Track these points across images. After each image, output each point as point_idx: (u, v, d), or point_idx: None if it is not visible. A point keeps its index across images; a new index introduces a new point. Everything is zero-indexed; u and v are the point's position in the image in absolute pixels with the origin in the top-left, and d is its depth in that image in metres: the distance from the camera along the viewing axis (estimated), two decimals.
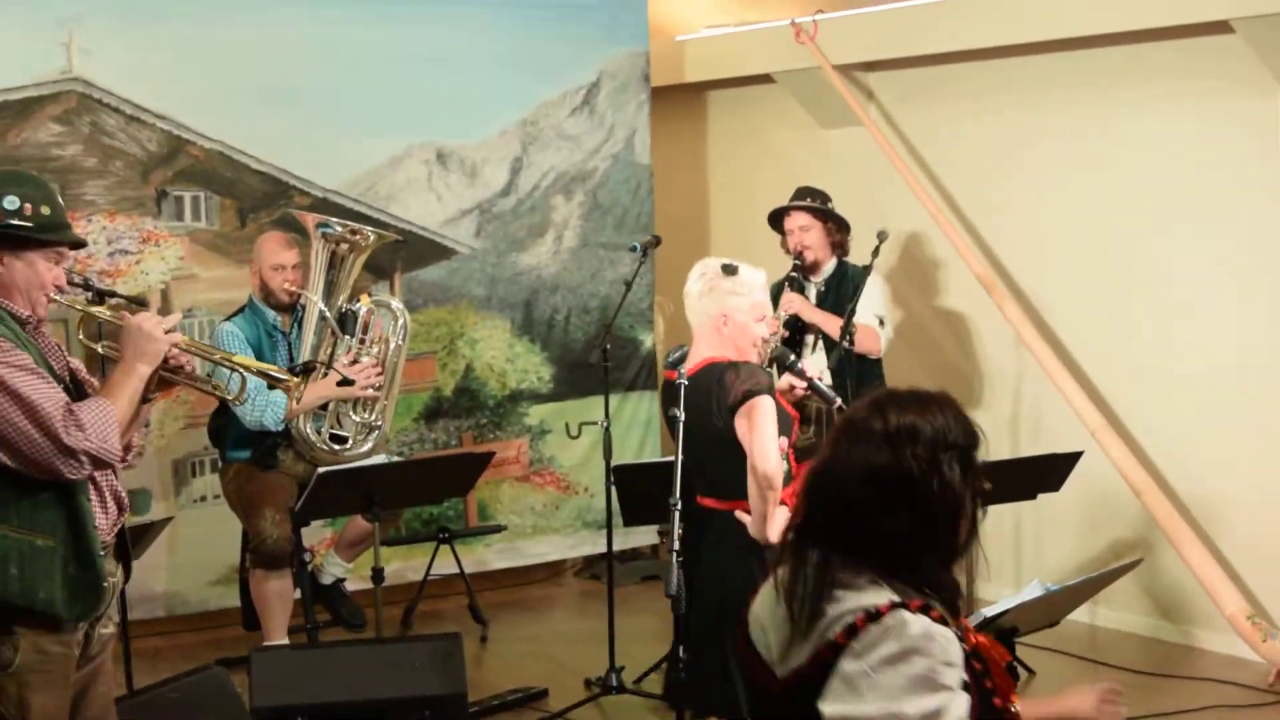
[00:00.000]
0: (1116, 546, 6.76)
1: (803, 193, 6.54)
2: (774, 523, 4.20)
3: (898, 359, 6.66)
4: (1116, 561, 6.15)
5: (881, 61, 7.53)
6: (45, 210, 3.72)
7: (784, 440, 4.29)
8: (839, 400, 4.59)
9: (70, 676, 3.64)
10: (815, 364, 6.24)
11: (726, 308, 4.32)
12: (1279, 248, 6.16)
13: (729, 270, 4.34)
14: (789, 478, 4.35)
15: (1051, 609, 4.43)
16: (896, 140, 7.46)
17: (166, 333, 3.78)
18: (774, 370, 4.72)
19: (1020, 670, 5.75)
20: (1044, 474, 6.03)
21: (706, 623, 4.23)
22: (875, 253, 6.24)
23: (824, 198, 6.50)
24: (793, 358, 4.54)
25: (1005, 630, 4.18)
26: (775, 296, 6.36)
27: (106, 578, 3.68)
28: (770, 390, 4.21)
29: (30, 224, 3.68)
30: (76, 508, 3.62)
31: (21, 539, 3.55)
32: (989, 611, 4.07)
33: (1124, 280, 6.67)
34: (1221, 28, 6.03)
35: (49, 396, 3.54)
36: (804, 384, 4.51)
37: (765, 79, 7.92)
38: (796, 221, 6.47)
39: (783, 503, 4.26)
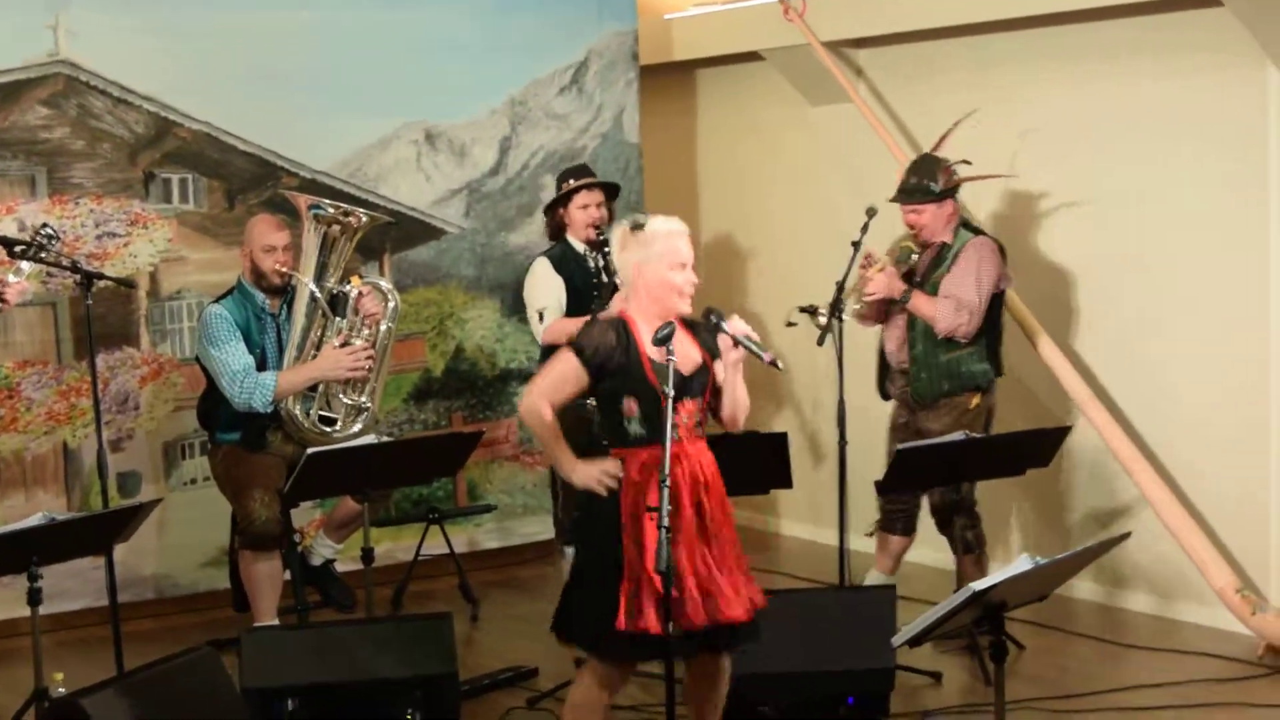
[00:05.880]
0: (1105, 520, 6.77)
1: (585, 170, 6.73)
2: (563, 465, 4.58)
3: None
4: (1105, 535, 6.15)
5: (870, 38, 7.53)
6: None
7: (633, 403, 4.50)
8: (770, 354, 4.52)
9: None
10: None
11: (637, 260, 4.55)
12: (1265, 221, 6.16)
13: (636, 226, 4.59)
14: (642, 440, 4.48)
15: (1040, 583, 4.43)
16: (886, 117, 7.45)
17: None
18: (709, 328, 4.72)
19: (1010, 645, 5.75)
20: (1033, 449, 6.03)
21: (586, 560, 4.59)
22: (864, 229, 6.22)
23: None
24: (715, 318, 4.55)
25: (994, 604, 4.18)
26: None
27: None
28: (579, 350, 4.51)
29: None
30: None
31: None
32: (978, 585, 4.07)
33: (1111, 254, 6.66)
34: (1211, 1, 6.03)
35: None
36: (731, 342, 4.52)
37: (754, 56, 7.91)
38: (595, 198, 6.58)
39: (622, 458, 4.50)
